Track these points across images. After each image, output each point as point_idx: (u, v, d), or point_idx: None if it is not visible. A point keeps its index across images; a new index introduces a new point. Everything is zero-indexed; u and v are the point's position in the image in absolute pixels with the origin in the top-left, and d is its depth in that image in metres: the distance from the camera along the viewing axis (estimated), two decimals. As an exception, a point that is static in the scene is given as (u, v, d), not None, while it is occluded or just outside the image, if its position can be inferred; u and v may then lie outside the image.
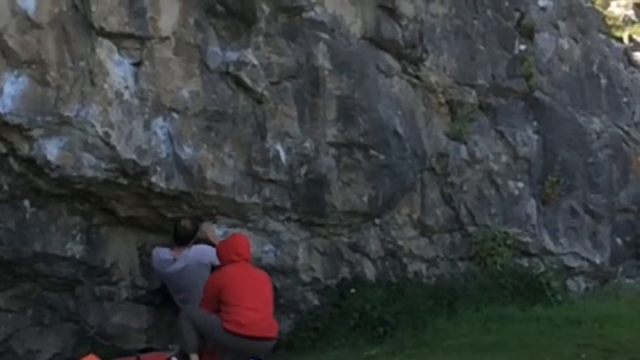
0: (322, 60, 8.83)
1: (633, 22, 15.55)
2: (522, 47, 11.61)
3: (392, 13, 9.66)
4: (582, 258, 11.62)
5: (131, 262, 8.14)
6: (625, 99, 13.22)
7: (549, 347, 8.00)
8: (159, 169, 7.62)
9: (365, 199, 9.11)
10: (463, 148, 10.47)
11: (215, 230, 8.20)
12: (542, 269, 10.61)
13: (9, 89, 6.84)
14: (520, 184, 11.13)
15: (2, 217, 7.25)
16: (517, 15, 11.73)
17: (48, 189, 7.35)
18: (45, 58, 7.01)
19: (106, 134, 7.27)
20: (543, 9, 12.28)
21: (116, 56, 7.45)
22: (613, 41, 14.00)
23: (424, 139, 9.94)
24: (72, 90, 7.13)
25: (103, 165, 7.32)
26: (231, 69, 8.20)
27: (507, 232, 10.67)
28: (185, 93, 7.85)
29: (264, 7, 8.42)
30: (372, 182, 9.17)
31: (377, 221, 9.51)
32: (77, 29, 7.22)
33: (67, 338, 7.95)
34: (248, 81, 8.27)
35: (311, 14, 8.85)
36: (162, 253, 7.95)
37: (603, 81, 12.82)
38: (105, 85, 7.34)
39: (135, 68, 7.58)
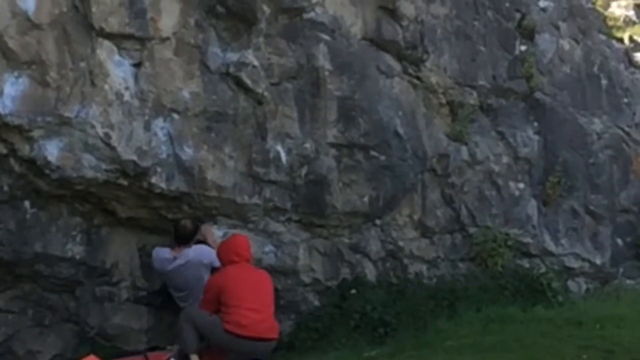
0: (323, 61, 8.83)
1: (634, 23, 15.54)
2: (523, 48, 11.61)
3: (393, 14, 9.66)
4: (583, 259, 11.61)
5: (131, 262, 8.15)
6: (625, 100, 13.22)
7: (549, 348, 7.99)
8: (159, 169, 7.62)
9: (365, 199, 9.10)
10: (464, 149, 10.47)
11: (216, 232, 8.20)
12: (543, 269, 10.61)
13: (9, 89, 6.84)
14: (521, 185, 11.13)
15: (3, 217, 7.26)
16: (517, 16, 11.73)
17: (48, 190, 7.35)
18: (46, 59, 7.02)
19: (106, 134, 7.27)
20: (544, 9, 12.28)
21: (116, 57, 7.45)
22: (614, 42, 13.99)
23: (425, 139, 9.94)
24: (72, 91, 7.13)
25: (103, 166, 7.32)
26: (232, 69, 8.20)
27: (508, 233, 10.67)
28: (185, 94, 7.85)
29: (265, 8, 8.42)
30: (372, 183, 9.17)
31: (377, 222, 9.51)
32: (78, 30, 7.22)
33: (67, 339, 7.95)
34: (248, 82, 8.27)
35: (312, 14, 8.85)
36: (162, 252, 7.96)
37: (604, 82, 12.82)
38: (106, 86, 7.34)
39: (136, 69, 7.58)
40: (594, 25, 13.38)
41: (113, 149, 7.31)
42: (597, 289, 11.69)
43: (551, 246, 11.20)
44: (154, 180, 7.60)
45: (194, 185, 7.86)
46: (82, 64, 7.22)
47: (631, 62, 14.09)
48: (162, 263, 7.92)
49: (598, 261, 11.80)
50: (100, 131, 7.25)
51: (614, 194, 12.33)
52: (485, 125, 10.96)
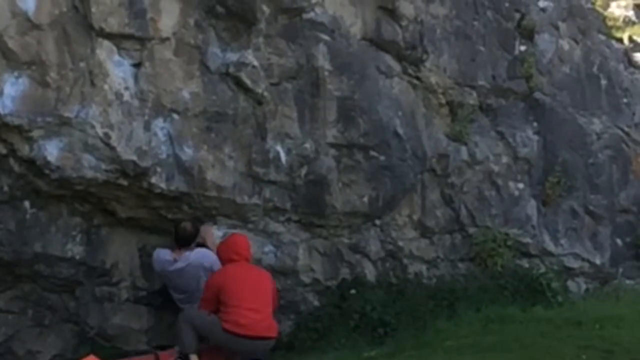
0: (323, 61, 8.83)
1: (633, 23, 15.54)
2: (523, 48, 11.61)
3: (392, 14, 9.66)
4: (583, 259, 11.61)
5: (131, 263, 8.14)
6: (625, 100, 13.22)
7: (549, 348, 7.99)
8: (159, 169, 7.62)
9: (365, 200, 9.10)
10: (463, 149, 10.47)
11: (215, 232, 8.20)
12: (543, 269, 10.61)
13: (9, 90, 6.84)
14: (521, 185, 11.13)
15: (3, 218, 7.26)
16: (517, 16, 11.73)
17: (48, 190, 7.35)
18: (46, 59, 7.02)
19: (106, 134, 7.27)
20: (543, 9, 12.28)
21: (116, 57, 7.45)
22: (613, 42, 13.99)
23: (424, 140, 9.94)
24: (72, 91, 7.13)
25: (103, 166, 7.32)
26: (231, 69, 8.21)
27: (508, 233, 10.67)
28: (185, 94, 7.85)
29: (264, 8, 8.42)
30: (372, 183, 9.17)
31: (377, 222, 9.51)
32: (77, 30, 7.22)
33: (67, 339, 7.95)
34: (248, 82, 8.27)
35: (311, 15, 8.86)
36: (163, 254, 7.95)
37: (603, 82, 12.82)
38: (106, 86, 7.34)
39: (136, 69, 7.58)
40: (593, 25, 13.38)
41: (113, 149, 7.31)
42: (597, 289, 11.69)
43: (551, 246, 11.21)
44: (153, 180, 7.60)
45: (194, 185, 7.86)
46: (82, 64, 7.22)
47: (631, 62, 14.09)
48: (163, 265, 7.92)
49: (597, 261, 11.80)
50: (100, 131, 7.25)
51: (613, 194, 12.34)
52: (485, 125, 10.96)
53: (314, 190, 8.73)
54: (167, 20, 7.75)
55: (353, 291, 9.08)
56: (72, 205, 7.65)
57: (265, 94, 8.38)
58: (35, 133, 6.99)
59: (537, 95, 11.63)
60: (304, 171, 8.65)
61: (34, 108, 6.95)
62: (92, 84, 7.26)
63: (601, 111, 12.63)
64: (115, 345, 8.02)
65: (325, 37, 8.92)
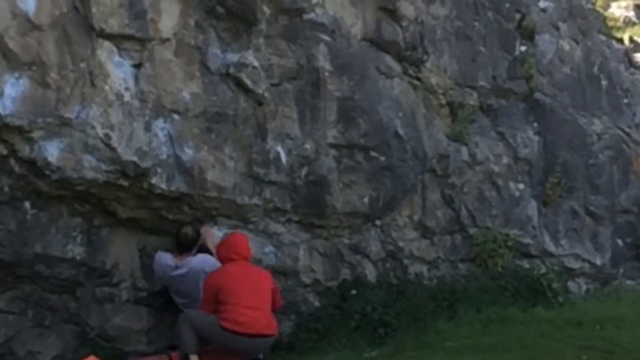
0: (323, 61, 8.83)
1: (634, 24, 15.56)
2: (523, 48, 11.61)
3: (393, 14, 9.66)
4: (583, 259, 11.62)
5: (132, 263, 8.14)
6: (625, 100, 13.22)
7: (549, 348, 7.99)
8: (159, 170, 7.62)
9: (365, 200, 9.11)
10: (464, 149, 10.48)
11: (216, 233, 8.19)
12: (543, 270, 10.60)
13: (9, 90, 6.84)
14: (521, 186, 11.13)
15: (3, 218, 7.25)
16: (517, 16, 11.74)
17: (49, 191, 7.35)
18: (46, 60, 7.02)
19: (107, 135, 7.27)
20: (544, 10, 12.28)
21: (117, 58, 7.45)
22: (614, 42, 14.00)
23: (425, 140, 9.94)
24: (72, 92, 7.13)
25: (103, 166, 7.32)
26: (232, 70, 8.20)
27: (508, 233, 10.67)
28: (185, 94, 7.85)
29: (265, 8, 8.42)
30: (372, 184, 9.17)
31: (377, 222, 9.51)
32: (78, 31, 7.22)
33: (67, 340, 7.94)
34: (248, 83, 8.27)
35: (312, 15, 8.86)
36: (165, 258, 7.94)
37: (604, 82, 12.82)
38: (106, 87, 7.34)
39: (136, 69, 7.58)
40: (594, 25, 13.38)
41: (113, 149, 7.31)
42: (597, 289, 11.69)
43: (551, 247, 11.21)
44: (154, 181, 7.60)
45: (194, 185, 7.86)
46: (83, 65, 7.22)
47: (631, 63, 14.10)
48: (164, 269, 7.92)
49: (598, 262, 11.80)
50: (100, 132, 7.25)
51: (614, 194, 12.34)
52: (485, 125, 10.96)
53: (314, 190, 8.73)
54: (168, 21, 7.75)
55: (353, 292, 9.08)
56: (73, 206, 7.65)
57: (266, 94, 8.38)
58: (36, 134, 6.99)
59: (538, 95, 11.63)
60: (304, 172, 8.65)
61: (34, 109, 6.95)
62: (93, 84, 7.26)
63: (602, 112, 12.64)
64: (115, 346, 8.02)
65: (326, 37, 8.92)
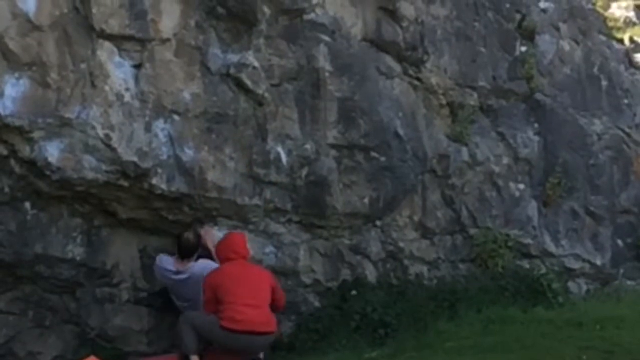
0: (323, 62, 8.83)
1: (634, 24, 15.55)
2: (523, 49, 11.60)
3: (393, 15, 9.66)
4: (584, 260, 11.61)
5: (132, 264, 8.14)
6: (626, 101, 13.21)
7: (550, 349, 7.99)
8: (160, 171, 7.62)
9: (366, 201, 9.10)
10: (464, 150, 10.47)
11: (217, 234, 8.19)
12: (544, 270, 10.60)
13: (10, 91, 6.85)
14: (522, 186, 11.13)
15: (3, 219, 7.26)
16: (518, 17, 11.73)
17: (49, 191, 7.35)
18: (46, 60, 7.02)
19: (107, 136, 7.27)
20: (544, 11, 12.27)
21: (117, 58, 7.46)
22: (614, 43, 13.99)
23: (425, 141, 9.94)
24: (73, 93, 7.14)
25: (104, 167, 7.33)
26: (232, 71, 8.21)
27: (509, 234, 10.66)
28: (186, 95, 7.85)
29: (265, 9, 8.42)
30: (373, 184, 9.17)
31: (378, 223, 9.51)
32: (78, 32, 7.22)
33: (68, 340, 7.95)
34: (249, 83, 8.27)
35: (312, 16, 8.86)
36: (166, 263, 7.93)
37: (604, 83, 12.82)
38: (106, 88, 7.34)
39: (136, 70, 7.58)
40: (594, 26, 13.38)
41: (114, 150, 7.31)
42: (598, 290, 11.68)
43: (552, 247, 11.20)
44: (154, 181, 7.60)
45: (195, 186, 7.86)
46: (83, 66, 7.23)
47: (632, 63, 14.09)
48: (165, 273, 7.93)
49: (599, 262, 11.79)
50: (100, 132, 7.25)
51: (614, 195, 12.33)
52: (486, 126, 10.96)
53: (314, 191, 8.73)
54: (168, 21, 7.75)
55: (354, 292, 9.08)
56: (73, 207, 7.65)
57: (266, 95, 8.38)
58: (36, 134, 6.99)
59: (538, 96, 11.63)
60: (304, 172, 8.65)
61: (34, 109, 6.95)
62: (93, 85, 7.27)
63: (602, 112, 12.63)
64: (116, 347, 8.03)
65: (326, 38, 8.92)
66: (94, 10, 7.26)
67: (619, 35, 14.73)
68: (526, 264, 10.74)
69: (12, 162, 7.11)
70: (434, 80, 10.16)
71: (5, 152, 7.05)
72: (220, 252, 7.75)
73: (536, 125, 11.49)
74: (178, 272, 7.87)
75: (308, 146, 8.68)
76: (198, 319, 7.42)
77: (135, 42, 7.56)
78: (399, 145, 9.44)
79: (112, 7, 7.37)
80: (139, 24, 7.54)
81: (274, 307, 7.75)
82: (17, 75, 6.89)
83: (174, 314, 8.03)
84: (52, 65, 7.04)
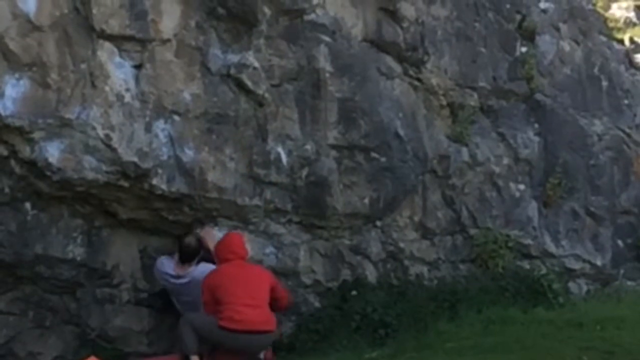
0: (323, 62, 8.83)
1: (634, 24, 15.57)
2: (523, 49, 11.60)
3: (393, 15, 9.66)
4: (584, 260, 11.61)
5: (132, 264, 8.15)
6: (626, 101, 13.21)
7: (550, 349, 7.99)
8: (160, 171, 7.63)
9: (366, 201, 9.10)
10: (464, 150, 10.47)
11: (217, 235, 8.19)
12: (544, 271, 10.59)
13: (10, 91, 6.85)
14: (522, 186, 11.13)
15: (4, 219, 7.26)
16: (518, 17, 11.72)
17: (49, 192, 7.35)
18: (47, 60, 7.02)
19: (107, 136, 7.27)
20: (544, 11, 12.27)
21: (117, 58, 7.46)
22: (614, 43, 13.99)
23: (425, 141, 9.94)
24: (73, 93, 7.14)
25: (104, 167, 7.33)
26: (232, 71, 8.21)
27: (509, 234, 10.66)
28: (186, 95, 7.85)
29: (265, 9, 8.42)
30: (373, 185, 9.17)
31: (378, 223, 9.51)
32: (78, 32, 7.23)
33: (68, 340, 7.95)
34: (249, 84, 8.27)
35: (312, 16, 8.85)
36: (167, 266, 7.92)
37: (604, 83, 12.81)
38: (106, 88, 7.34)
39: (137, 70, 7.59)
40: (594, 26, 13.38)
41: (114, 150, 7.32)
42: (598, 290, 11.68)
43: (552, 247, 11.20)
44: (154, 181, 7.60)
45: (195, 186, 7.86)
46: (83, 66, 7.23)
47: (632, 64, 14.09)
48: (164, 277, 7.93)
49: (599, 262, 11.79)
50: (101, 133, 7.25)
51: (614, 195, 12.33)
52: (486, 126, 10.96)
53: (314, 191, 8.73)
54: (168, 21, 7.75)
55: (354, 292, 9.08)
56: (73, 207, 7.65)
57: (266, 95, 8.38)
58: (36, 134, 6.99)
59: (538, 96, 11.63)
60: (304, 172, 8.65)
61: (34, 109, 6.95)
62: (93, 85, 7.27)
63: (602, 112, 12.63)
64: (116, 347, 8.03)
65: (326, 38, 8.92)
66: (94, 11, 7.26)
67: (619, 36, 14.74)
68: (526, 264, 10.74)
69: (12, 162, 7.11)
70: (434, 81, 10.16)
71: (5, 153, 7.05)
72: (218, 253, 7.76)
73: (536, 126, 11.49)
74: (178, 276, 7.88)
75: (308, 146, 8.68)
76: (198, 319, 7.42)
77: (136, 42, 7.56)
78: (399, 145, 9.44)
79: (112, 7, 7.37)
80: (139, 24, 7.55)
81: (276, 306, 7.75)
82: (17, 75, 6.89)
83: (174, 315, 8.03)
84: (52, 66, 7.05)
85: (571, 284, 11.40)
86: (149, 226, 8.09)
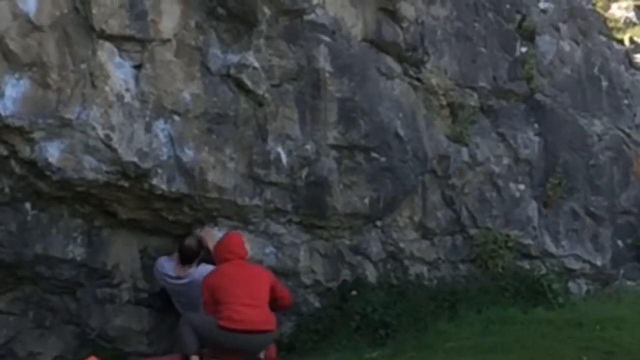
0: (324, 62, 8.83)
1: (634, 25, 15.57)
2: (524, 49, 11.61)
3: (394, 15, 9.66)
4: (584, 260, 11.61)
5: (133, 264, 8.14)
6: (626, 101, 13.22)
7: (550, 349, 8.00)
8: (160, 171, 7.63)
9: (366, 201, 9.11)
10: (464, 150, 10.47)
11: (217, 235, 8.18)
12: (544, 271, 10.60)
13: (10, 91, 6.85)
14: (522, 187, 11.13)
15: (4, 219, 7.26)
16: (518, 17, 11.73)
17: (49, 192, 7.35)
18: (47, 61, 7.02)
19: (107, 136, 7.27)
20: (544, 11, 12.28)
21: (117, 59, 7.46)
22: (614, 43, 14.00)
23: (426, 141, 9.94)
24: (73, 93, 7.14)
25: (104, 167, 7.33)
26: (232, 71, 8.21)
27: (509, 234, 10.66)
28: (186, 96, 7.85)
29: (265, 9, 8.42)
30: (373, 185, 9.17)
31: (378, 224, 9.51)
32: (79, 32, 7.23)
33: (68, 341, 7.95)
34: (249, 84, 8.27)
35: (312, 16, 8.86)
36: (167, 268, 7.92)
37: (604, 83, 12.82)
38: (107, 88, 7.35)
39: (137, 71, 7.59)
40: (594, 26, 13.38)
41: (114, 150, 7.32)
42: (598, 290, 11.69)
43: (552, 248, 11.20)
44: (155, 182, 7.60)
45: (195, 187, 7.86)
46: (83, 66, 7.23)
47: (632, 64, 14.10)
48: (165, 278, 7.93)
49: (599, 263, 11.80)
50: (101, 133, 7.25)
51: (614, 195, 12.34)
52: (486, 126, 10.96)
53: (315, 191, 8.73)
54: (168, 22, 7.76)
55: (354, 293, 9.08)
56: (74, 207, 7.65)
57: (267, 95, 8.39)
58: (37, 135, 6.99)
59: (538, 96, 11.63)
60: (305, 173, 8.65)
61: (35, 110, 6.95)
62: (93, 85, 7.27)
63: (602, 113, 12.64)
64: (116, 347, 8.03)
65: (326, 38, 8.92)
66: (94, 11, 7.26)
67: (619, 36, 14.75)
68: (526, 265, 10.74)
69: (13, 162, 7.12)
70: (434, 81, 10.17)
71: (5, 153, 7.05)
72: (217, 253, 7.75)
73: (536, 126, 11.50)
74: (178, 278, 7.88)
75: (308, 147, 8.68)
76: (198, 319, 7.41)
77: (136, 42, 7.56)
78: (399, 145, 9.45)
79: (112, 7, 7.37)
80: (139, 25, 7.55)
81: (277, 306, 7.74)
82: (17, 75, 6.89)
83: (174, 315, 8.03)
84: (53, 66, 7.05)
85: (571, 284, 11.40)
86: (149, 226, 8.09)
